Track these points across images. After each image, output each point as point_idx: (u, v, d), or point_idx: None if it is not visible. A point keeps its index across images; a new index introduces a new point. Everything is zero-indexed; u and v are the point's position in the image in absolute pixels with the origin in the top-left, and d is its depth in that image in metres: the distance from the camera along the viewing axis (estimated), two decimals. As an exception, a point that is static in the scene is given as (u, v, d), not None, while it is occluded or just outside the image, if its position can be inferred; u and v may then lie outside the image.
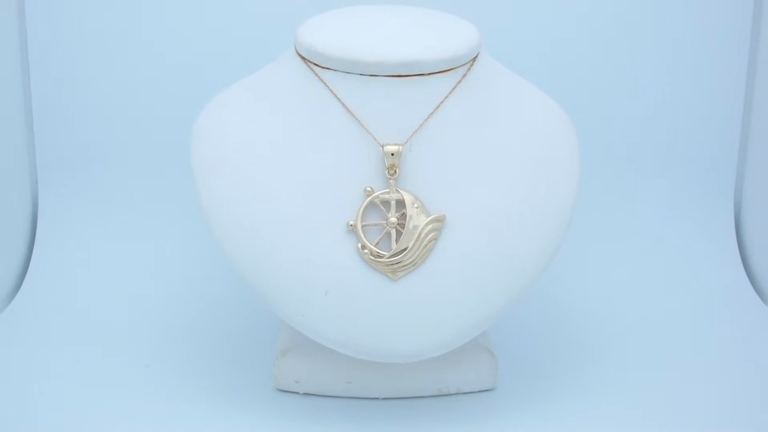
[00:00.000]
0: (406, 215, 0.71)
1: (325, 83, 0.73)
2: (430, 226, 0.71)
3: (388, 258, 0.70)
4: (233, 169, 0.73)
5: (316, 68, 0.74)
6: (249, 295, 0.74)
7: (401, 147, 0.71)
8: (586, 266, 1.00)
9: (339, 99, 0.72)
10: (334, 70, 0.73)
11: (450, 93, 0.73)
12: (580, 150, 0.78)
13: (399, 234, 0.71)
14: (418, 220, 0.71)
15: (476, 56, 0.76)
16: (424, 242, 0.71)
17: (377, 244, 0.71)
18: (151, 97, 1.00)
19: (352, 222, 0.71)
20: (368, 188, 0.71)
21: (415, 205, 0.71)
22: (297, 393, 0.80)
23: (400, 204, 0.71)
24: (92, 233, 1.01)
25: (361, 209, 0.71)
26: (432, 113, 0.73)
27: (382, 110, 0.72)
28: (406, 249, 0.71)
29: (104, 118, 1.01)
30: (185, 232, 1.00)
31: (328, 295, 0.70)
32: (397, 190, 0.71)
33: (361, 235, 0.71)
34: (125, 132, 1.02)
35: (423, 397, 0.79)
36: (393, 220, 0.71)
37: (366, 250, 0.71)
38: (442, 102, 0.73)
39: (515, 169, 0.74)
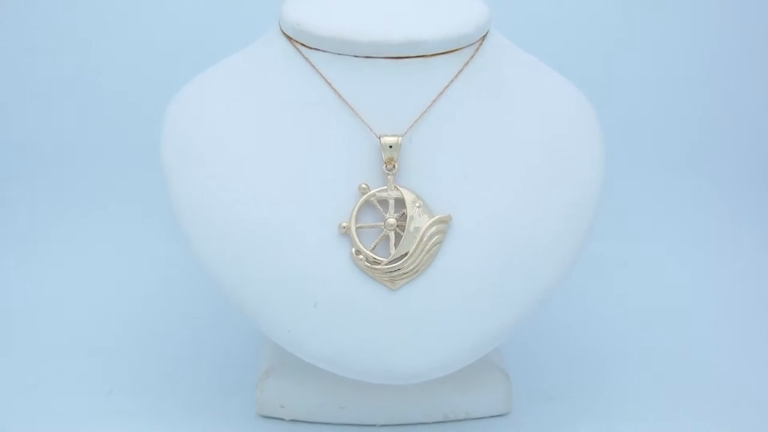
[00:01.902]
0: (406, 216, 0.67)
1: (313, 66, 0.70)
2: (433, 228, 0.68)
3: (387, 264, 0.67)
4: (208, 164, 0.70)
5: (303, 49, 0.70)
6: (228, 308, 0.72)
7: (400, 138, 0.68)
8: (609, 274, 0.97)
9: (329, 84, 0.69)
10: (324, 51, 0.69)
11: (456, 77, 0.70)
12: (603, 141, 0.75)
13: (398, 237, 0.68)
14: (420, 221, 0.68)
15: (485, 35, 0.72)
16: (427, 246, 0.68)
17: (374, 248, 0.68)
18: (120, 84, 1.00)
19: (344, 224, 0.68)
20: (363, 185, 0.68)
21: (417, 205, 0.68)
22: (283, 419, 0.77)
23: (400, 203, 0.68)
24: (58, 242, 0.98)
25: (355, 209, 0.68)
26: (436, 100, 0.69)
27: (378, 96, 0.69)
28: (406, 254, 0.67)
29: (70, 106, 1.02)
30: (157, 237, 0.97)
31: (318, 308, 0.67)
32: (396, 187, 0.68)
33: (356, 238, 0.67)
34: (90, 126, 1.02)
35: (427, 423, 0.76)
36: (391, 221, 0.68)
37: (361, 256, 0.67)
38: (447, 87, 0.70)
39: (531, 162, 0.71)
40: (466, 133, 0.70)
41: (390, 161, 0.68)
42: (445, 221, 0.68)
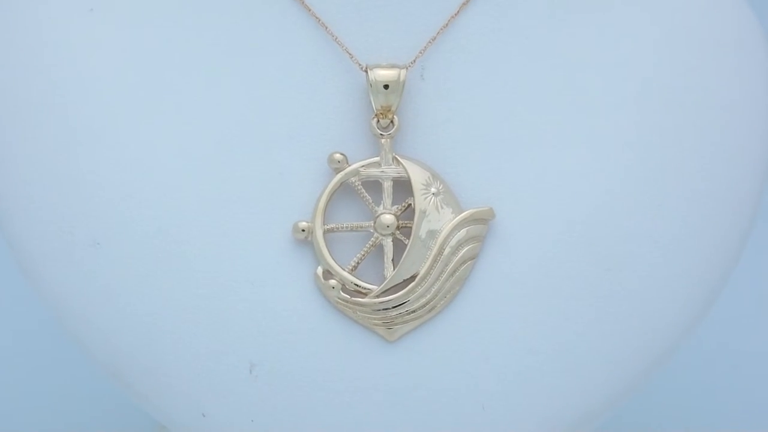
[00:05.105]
0: (413, 210, 0.56)
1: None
2: (462, 233, 0.56)
3: (379, 297, 0.55)
4: (63, 119, 0.56)
5: None
6: (103, 381, 0.62)
7: (403, 71, 0.56)
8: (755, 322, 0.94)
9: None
10: None
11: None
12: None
13: (400, 248, 0.57)
14: (438, 219, 0.56)
15: None
16: (452, 265, 0.56)
17: (356, 267, 0.56)
18: None
19: (304, 223, 0.56)
20: (337, 155, 0.56)
21: (433, 191, 0.56)
22: None
23: (402, 187, 0.57)
24: None
25: (323, 198, 0.56)
26: (463, 6, 0.57)
27: (364, 2, 0.58)
28: (414, 278, 0.56)
29: None
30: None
31: (255, 374, 0.55)
32: (395, 158, 0.56)
33: (324, 249, 0.55)
34: None
35: None
36: (388, 219, 0.55)
37: (333, 282, 0.55)
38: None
39: (639, 120, 0.58)
40: (521, 64, 0.58)
41: (385, 113, 0.57)
42: (482, 220, 0.57)
